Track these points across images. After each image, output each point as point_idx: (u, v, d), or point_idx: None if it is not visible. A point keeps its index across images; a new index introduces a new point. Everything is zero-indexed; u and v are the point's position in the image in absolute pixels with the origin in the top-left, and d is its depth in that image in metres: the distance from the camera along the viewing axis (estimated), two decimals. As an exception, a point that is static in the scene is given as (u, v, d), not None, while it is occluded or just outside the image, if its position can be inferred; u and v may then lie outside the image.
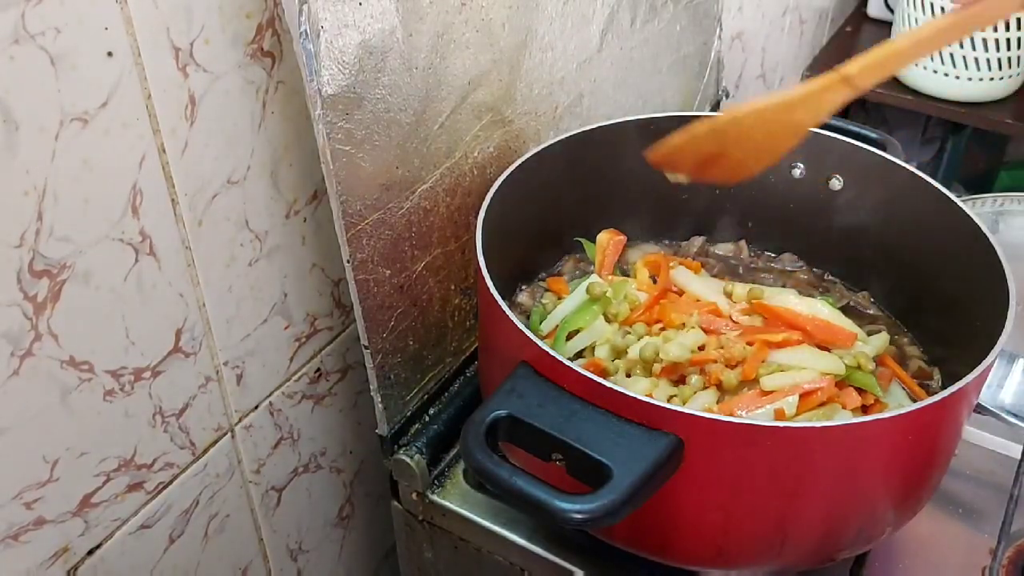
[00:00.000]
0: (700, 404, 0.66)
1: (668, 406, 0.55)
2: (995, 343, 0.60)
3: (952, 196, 0.73)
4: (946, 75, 1.55)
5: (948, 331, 0.73)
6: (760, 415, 0.65)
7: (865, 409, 0.69)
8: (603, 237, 0.84)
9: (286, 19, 0.57)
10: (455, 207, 0.76)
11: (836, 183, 0.82)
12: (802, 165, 0.83)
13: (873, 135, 0.83)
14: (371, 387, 0.72)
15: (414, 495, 0.78)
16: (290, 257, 0.72)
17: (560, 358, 0.58)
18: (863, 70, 0.64)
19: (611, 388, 0.56)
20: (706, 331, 0.71)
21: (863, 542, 0.67)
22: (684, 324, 0.72)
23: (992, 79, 1.54)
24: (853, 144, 0.80)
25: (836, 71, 0.67)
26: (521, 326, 0.61)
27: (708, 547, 0.61)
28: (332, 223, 0.64)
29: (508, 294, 0.81)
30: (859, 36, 1.81)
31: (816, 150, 0.82)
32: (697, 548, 0.63)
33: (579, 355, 0.73)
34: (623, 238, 0.85)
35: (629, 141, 0.82)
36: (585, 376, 0.57)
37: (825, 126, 0.83)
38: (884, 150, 0.79)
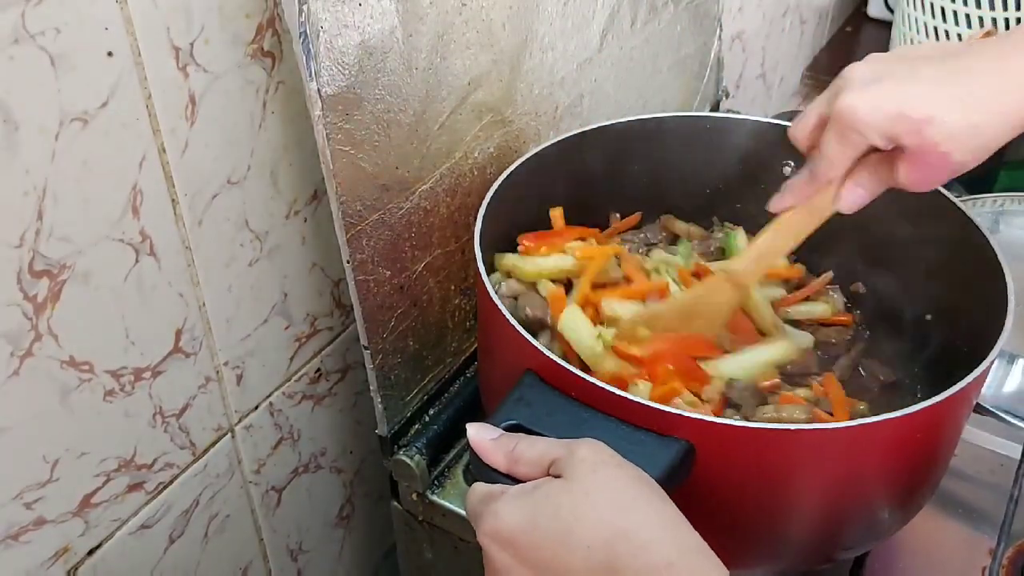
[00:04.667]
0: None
1: (678, 411, 0.55)
2: (995, 343, 0.60)
3: (952, 196, 0.73)
4: (946, 75, 1.54)
5: (947, 331, 0.73)
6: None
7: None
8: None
9: (286, 19, 0.57)
10: (455, 207, 0.76)
11: None
12: (792, 163, 0.83)
13: None
14: (371, 387, 0.72)
15: (414, 495, 0.78)
16: (290, 257, 0.72)
17: (568, 366, 0.57)
18: (745, 272, 0.70)
19: (621, 395, 0.55)
20: None
21: (864, 542, 0.67)
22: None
23: (992, 79, 1.53)
24: None
25: (724, 271, 0.71)
26: (525, 334, 0.60)
27: (714, 549, 0.61)
28: (332, 223, 0.64)
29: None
30: (859, 36, 1.81)
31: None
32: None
33: None
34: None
35: (629, 141, 0.82)
36: (594, 384, 0.56)
37: None
38: None
